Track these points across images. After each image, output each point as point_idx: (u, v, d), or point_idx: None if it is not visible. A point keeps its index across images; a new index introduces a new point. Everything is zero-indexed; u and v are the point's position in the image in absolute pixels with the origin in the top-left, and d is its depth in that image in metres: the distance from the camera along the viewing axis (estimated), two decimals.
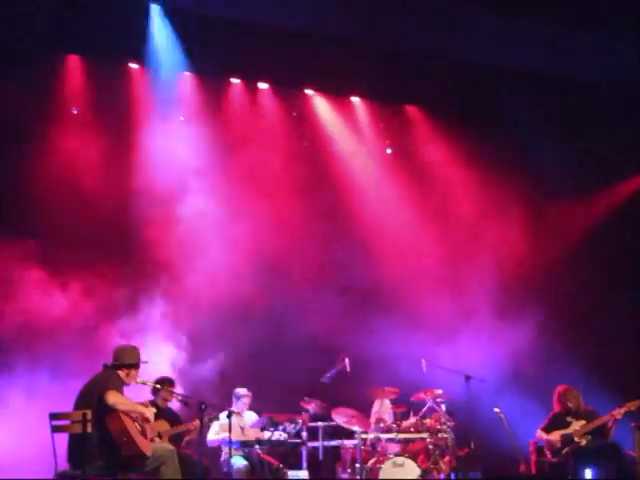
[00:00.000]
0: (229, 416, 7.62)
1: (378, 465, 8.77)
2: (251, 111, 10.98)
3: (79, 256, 9.59)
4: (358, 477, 8.86)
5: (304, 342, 10.36)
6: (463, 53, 10.43)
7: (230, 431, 7.65)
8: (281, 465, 8.86)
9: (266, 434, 8.88)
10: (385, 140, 11.73)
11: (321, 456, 9.39)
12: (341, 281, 10.97)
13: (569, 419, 8.83)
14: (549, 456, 8.78)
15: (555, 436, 8.75)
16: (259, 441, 8.73)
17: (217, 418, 8.50)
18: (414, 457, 8.92)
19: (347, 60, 10.10)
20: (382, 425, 9.23)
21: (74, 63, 10.08)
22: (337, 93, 11.38)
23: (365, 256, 11.10)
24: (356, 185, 11.48)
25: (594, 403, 9.14)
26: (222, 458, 8.81)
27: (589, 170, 11.50)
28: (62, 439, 6.85)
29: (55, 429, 6.81)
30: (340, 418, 9.20)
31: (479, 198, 11.40)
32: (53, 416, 6.86)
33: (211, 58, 10.10)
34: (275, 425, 8.81)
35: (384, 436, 9.10)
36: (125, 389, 7.02)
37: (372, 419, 9.54)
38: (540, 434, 8.88)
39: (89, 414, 6.62)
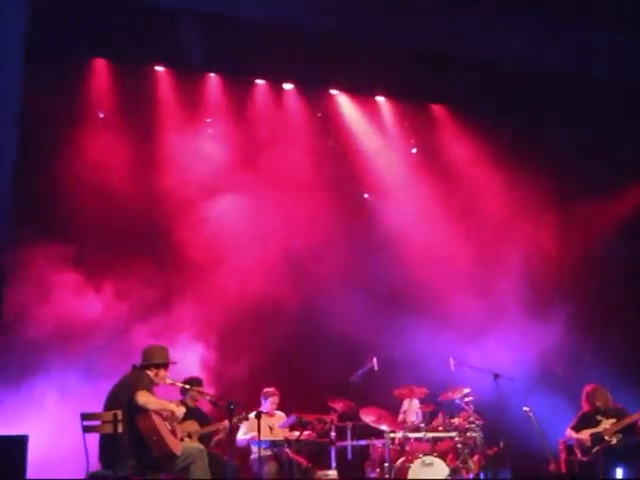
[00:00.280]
0: (258, 416, 7.66)
1: (407, 464, 8.75)
2: (276, 112, 11.02)
3: (111, 258, 9.73)
4: (387, 476, 8.87)
5: (333, 341, 10.39)
6: (490, 51, 10.34)
7: (259, 431, 7.68)
8: (310, 465, 8.89)
9: (295, 434, 8.93)
10: (410, 139, 11.72)
11: (350, 455, 9.41)
12: (369, 280, 10.96)
13: (599, 417, 8.78)
14: (579, 455, 8.74)
15: (585, 435, 8.70)
16: (288, 441, 8.77)
17: (246, 418, 8.53)
18: (443, 456, 8.90)
19: (372, 59, 10.06)
20: (407, 425, 9.23)
21: (100, 66, 10.18)
22: (362, 93, 11.36)
23: (393, 255, 11.08)
24: (382, 184, 11.49)
25: (624, 401, 9.08)
26: (252, 457, 8.87)
27: (618, 168, 11.37)
28: (94, 439, 6.94)
29: (86, 429, 6.89)
30: (368, 417, 9.21)
31: (506, 197, 11.32)
32: (84, 416, 6.94)
33: (236, 59, 10.13)
34: (304, 425, 8.85)
35: (413, 435, 9.09)
36: (154, 390, 7.09)
37: (400, 418, 9.55)
38: (570, 433, 8.84)
39: (119, 414, 6.70)
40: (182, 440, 7.42)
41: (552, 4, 9.82)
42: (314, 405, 9.38)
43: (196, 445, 7.38)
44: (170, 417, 7.04)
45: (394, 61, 10.19)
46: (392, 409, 9.54)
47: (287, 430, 9.11)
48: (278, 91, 11.09)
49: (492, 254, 11.30)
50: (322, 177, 10.99)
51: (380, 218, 11.31)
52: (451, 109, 11.56)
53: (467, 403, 9.28)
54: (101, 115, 10.30)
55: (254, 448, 8.71)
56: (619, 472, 8.42)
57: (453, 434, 9.10)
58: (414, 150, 11.78)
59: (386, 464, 8.91)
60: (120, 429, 6.69)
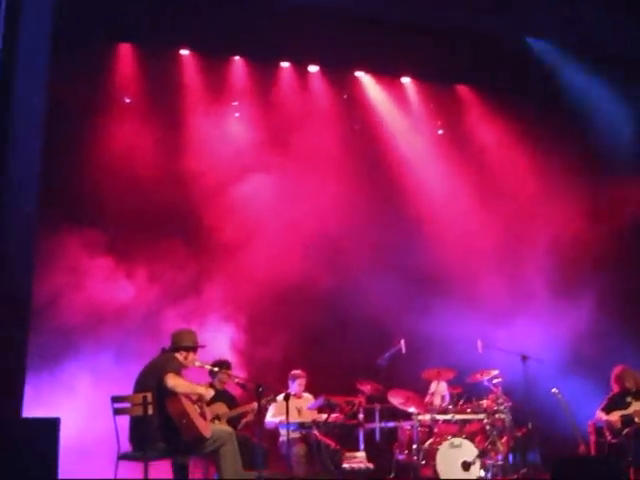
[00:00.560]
0: (286, 398, 7.70)
1: (435, 446, 8.78)
2: (302, 94, 11.01)
3: (141, 242, 9.81)
4: (415, 458, 8.91)
5: (361, 324, 10.39)
6: (518, 30, 10.18)
7: (287, 413, 7.72)
8: (338, 447, 8.94)
9: (323, 416, 8.97)
10: (437, 120, 11.65)
11: (378, 437, 9.44)
12: (398, 262, 10.91)
13: (629, 399, 8.72)
14: (609, 437, 8.69)
15: (615, 417, 8.65)
16: (316, 423, 8.82)
17: (275, 400, 8.59)
18: (471, 438, 8.91)
19: (396, 41, 9.97)
20: (433, 407, 9.24)
21: (125, 51, 10.22)
22: (387, 74, 11.31)
23: (422, 237, 11.05)
24: (409, 166, 11.44)
25: None
26: (280, 440, 8.94)
27: None
28: (125, 421, 7.03)
29: (117, 411, 6.94)
30: (396, 400, 9.24)
31: (535, 177, 11.23)
32: (115, 399, 6.99)
33: (261, 42, 10.11)
34: (332, 407, 8.89)
35: (441, 417, 9.11)
36: (183, 373, 7.17)
37: (428, 400, 9.56)
38: (600, 415, 8.79)
39: (149, 397, 6.76)
40: (212, 421, 7.48)
41: None
42: (342, 387, 9.42)
43: (225, 428, 7.42)
44: (199, 399, 7.11)
45: (419, 42, 10.09)
46: (420, 391, 9.55)
47: (315, 412, 9.15)
48: (303, 73, 11.07)
49: (520, 235, 11.22)
50: (349, 158, 10.97)
51: (408, 200, 11.26)
52: (477, 89, 11.45)
53: (495, 385, 9.26)
54: (127, 100, 10.36)
55: (282, 430, 8.77)
56: None
57: (481, 416, 9.10)
58: (440, 131, 11.72)
59: (414, 446, 8.95)
60: (150, 411, 6.76)
